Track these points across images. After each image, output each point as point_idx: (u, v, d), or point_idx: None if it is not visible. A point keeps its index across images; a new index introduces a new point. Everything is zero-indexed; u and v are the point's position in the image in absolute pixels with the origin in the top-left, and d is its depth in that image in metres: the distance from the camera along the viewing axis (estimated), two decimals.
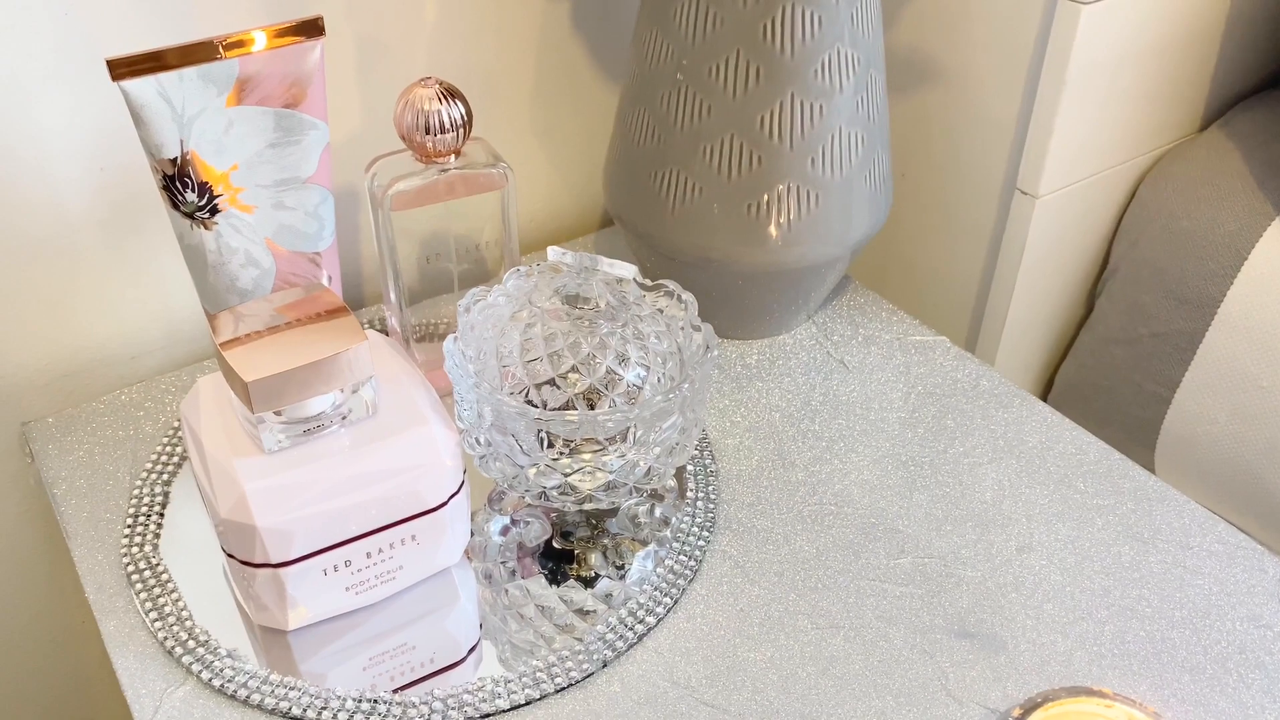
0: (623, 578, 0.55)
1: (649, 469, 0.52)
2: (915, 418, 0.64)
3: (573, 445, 0.51)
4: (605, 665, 0.50)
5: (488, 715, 0.48)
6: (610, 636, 0.51)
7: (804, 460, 0.61)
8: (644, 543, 0.57)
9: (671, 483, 0.58)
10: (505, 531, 0.58)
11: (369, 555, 0.49)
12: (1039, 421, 0.63)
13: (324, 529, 0.47)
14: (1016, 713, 0.41)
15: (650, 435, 0.52)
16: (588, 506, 0.54)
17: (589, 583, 0.55)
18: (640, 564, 0.56)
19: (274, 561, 0.47)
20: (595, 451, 0.52)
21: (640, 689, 0.49)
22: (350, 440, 0.48)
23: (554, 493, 0.52)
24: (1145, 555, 0.55)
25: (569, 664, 0.50)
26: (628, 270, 0.49)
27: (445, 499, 0.50)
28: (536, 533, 0.58)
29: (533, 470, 0.51)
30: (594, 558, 0.57)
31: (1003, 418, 0.63)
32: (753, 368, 0.68)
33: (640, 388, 0.52)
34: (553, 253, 0.50)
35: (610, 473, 0.51)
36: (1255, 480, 0.70)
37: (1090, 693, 0.42)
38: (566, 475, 0.51)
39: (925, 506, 0.58)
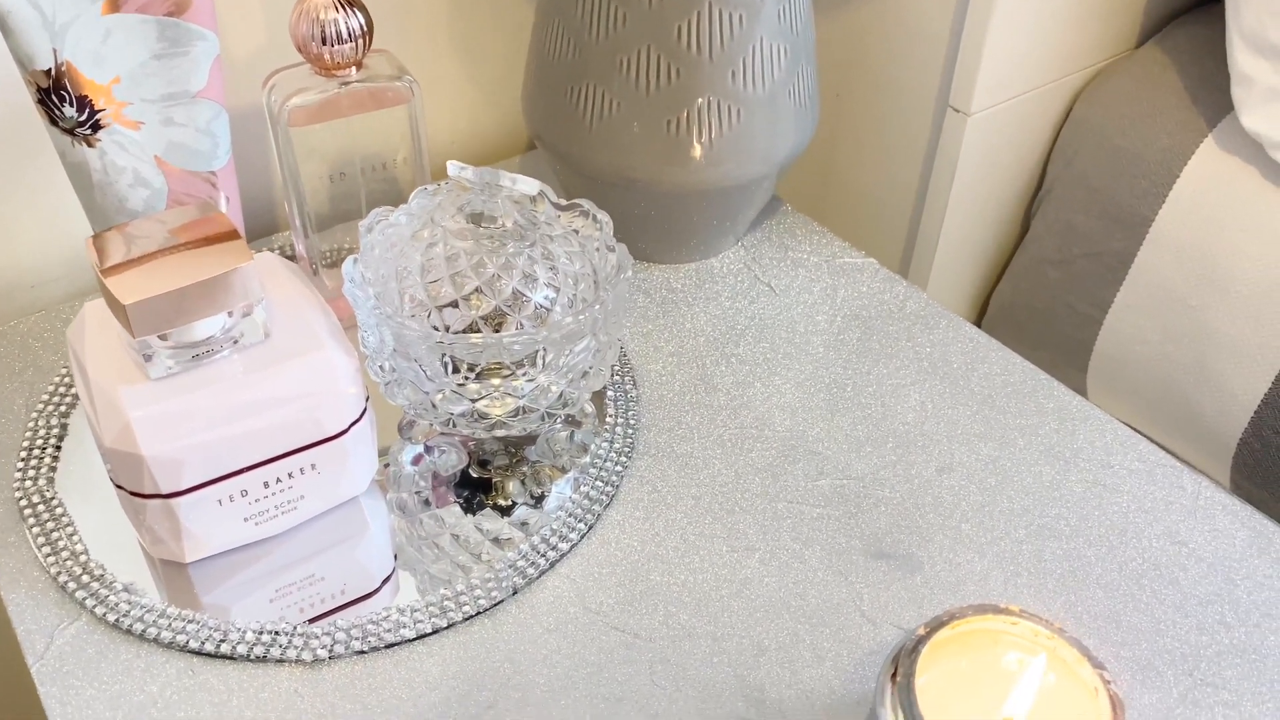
0: (541, 506, 0.54)
1: (561, 394, 0.51)
2: (840, 340, 0.62)
3: (479, 370, 0.49)
4: (515, 593, 0.49)
5: (393, 645, 0.47)
6: (521, 564, 0.50)
7: (726, 384, 0.60)
8: (563, 470, 0.56)
9: (589, 408, 0.57)
10: (418, 460, 0.56)
11: (267, 485, 0.47)
12: (965, 342, 0.62)
13: (216, 458, 0.45)
14: (922, 631, 0.41)
15: (561, 359, 0.50)
16: (500, 433, 0.52)
17: (506, 511, 0.54)
18: (559, 492, 0.55)
19: (164, 492, 0.45)
20: (505, 377, 0.50)
21: (550, 616, 0.48)
22: (243, 366, 0.46)
23: (462, 420, 0.50)
24: (1065, 474, 0.55)
25: (478, 592, 0.49)
26: (532, 187, 0.47)
27: (345, 426, 0.48)
28: (452, 461, 0.56)
29: (439, 396, 0.50)
30: (512, 486, 0.56)
31: (928, 339, 0.63)
32: (678, 292, 0.66)
33: (549, 310, 0.50)
34: (452, 167, 0.48)
35: (520, 398, 0.50)
36: (1184, 400, 0.70)
37: (997, 610, 0.41)
38: (474, 401, 0.50)
39: (846, 429, 0.57)
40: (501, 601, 0.49)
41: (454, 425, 0.51)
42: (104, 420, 0.44)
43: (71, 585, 0.48)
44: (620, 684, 0.45)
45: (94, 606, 0.47)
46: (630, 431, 0.57)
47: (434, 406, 0.50)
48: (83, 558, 0.49)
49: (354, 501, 0.53)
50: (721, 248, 0.68)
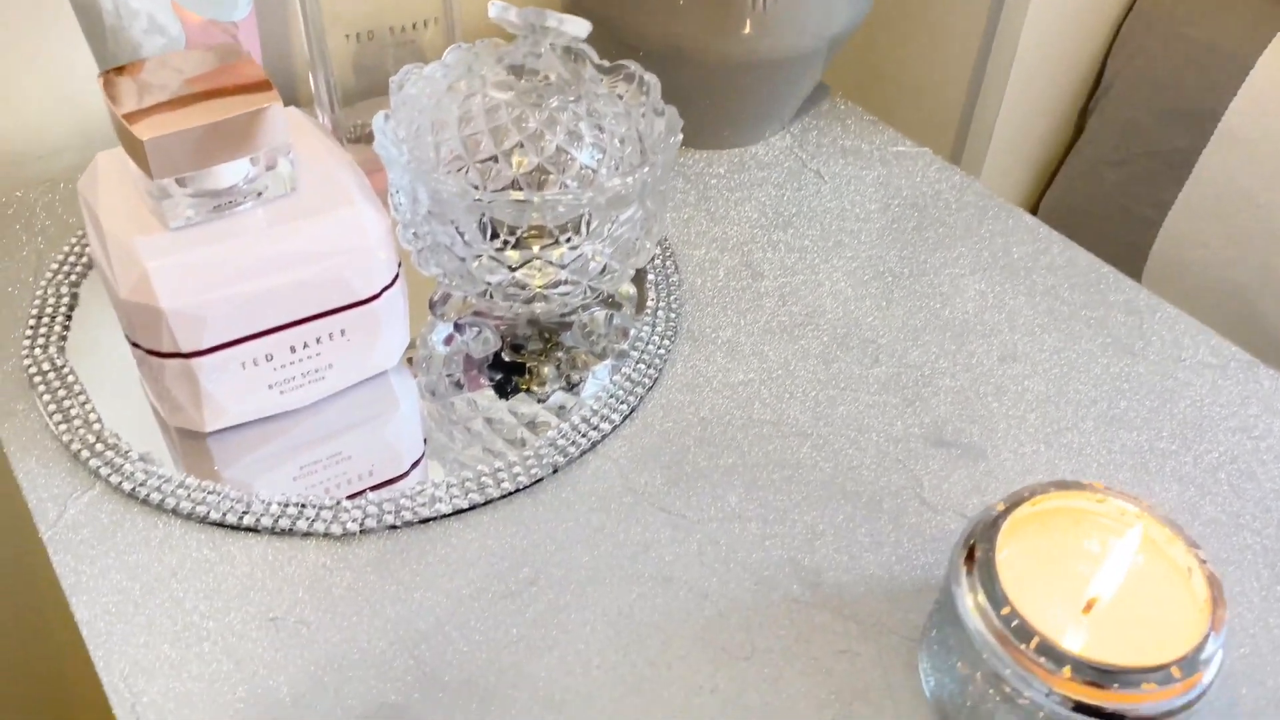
0: (577, 391, 0.51)
1: (604, 267, 0.48)
2: (894, 229, 0.59)
3: (519, 236, 0.46)
4: (556, 471, 0.46)
5: (428, 520, 0.44)
6: (562, 442, 0.47)
7: (774, 272, 0.56)
8: (600, 356, 0.53)
9: (630, 289, 0.54)
10: (449, 341, 0.53)
11: (293, 350, 0.44)
12: (1025, 233, 0.59)
13: (239, 316, 0.42)
14: (1000, 507, 0.38)
15: (606, 227, 0.47)
16: (539, 309, 0.49)
17: (541, 396, 0.51)
18: (596, 378, 0.52)
19: (184, 351, 0.42)
20: (546, 244, 0.47)
21: (593, 495, 0.45)
22: (267, 219, 0.43)
23: (500, 291, 0.47)
24: (1134, 367, 0.52)
25: (517, 469, 0.46)
26: (581, 27, 0.44)
27: (377, 290, 0.45)
28: (484, 343, 0.53)
29: (475, 264, 0.47)
30: (547, 371, 0.53)
31: (987, 230, 0.59)
32: (722, 178, 0.62)
33: (595, 172, 0.47)
34: (494, 8, 0.44)
35: (561, 266, 0.46)
36: (1247, 306, 0.67)
37: (1081, 487, 0.38)
38: (513, 270, 0.46)
39: (902, 317, 0.54)
40: (541, 479, 0.46)
41: (490, 297, 0.48)
42: (120, 272, 0.41)
43: (85, 453, 0.45)
44: (668, 564, 0.43)
45: (109, 475, 0.44)
46: (673, 316, 0.53)
47: (470, 276, 0.47)
48: (96, 426, 0.46)
49: (383, 379, 0.50)
50: (766, 132, 0.65)
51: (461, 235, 0.46)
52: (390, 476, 0.47)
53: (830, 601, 0.42)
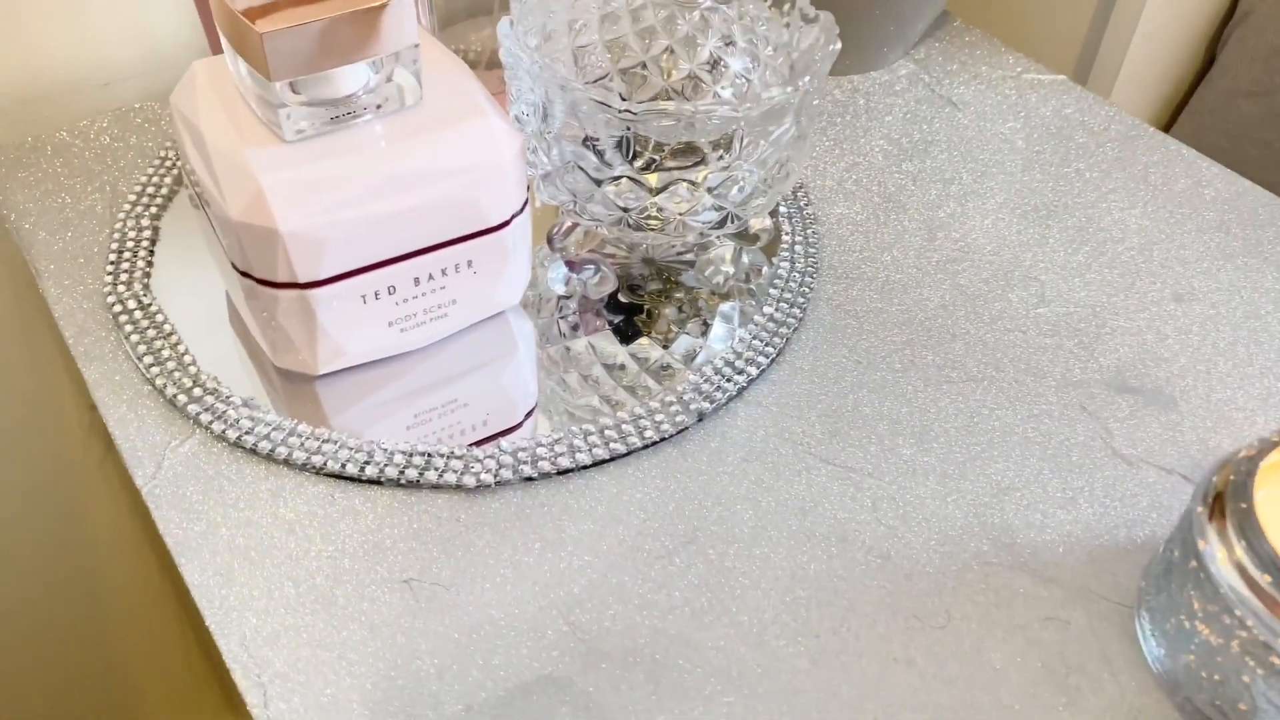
0: (705, 336, 0.46)
1: (752, 193, 0.43)
2: (1040, 160, 0.54)
3: (661, 155, 0.41)
4: (701, 419, 0.41)
5: (565, 471, 0.39)
6: (706, 387, 0.42)
7: (915, 204, 0.51)
8: (725, 297, 0.48)
9: (767, 222, 0.49)
10: (566, 281, 0.49)
11: (417, 282, 0.40)
12: (1183, 165, 0.54)
13: (363, 241, 0.37)
14: (1247, 453, 0.33)
15: (757, 148, 0.42)
16: (675, 241, 0.44)
17: (665, 341, 0.46)
18: (724, 321, 0.47)
19: (301, 280, 0.37)
20: (689, 164, 0.42)
21: (746, 446, 0.41)
22: (389, 133, 0.38)
23: (636, 219, 0.42)
24: None
25: (659, 417, 0.41)
26: None
27: (508, 216, 0.40)
28: (603, 283, 0.49)
29: (613, 188, 0.42)
30: (668, 312, 0.48)
31: (1141, 161, 0.54)
32: (844, 105, 0.57)
33: (748, 81, 0.42)
34: None
35: (710, 190, 0.42)
36: None
37: None
38: (655, 192, 0.42)
39: (1062, 254, 0.49)
40: (686, 428, 0.41)
41: (625, 225, 0.43)
42: (230, 191, 0.36)
43: (182, 399, 0.40)
44: (840, 522, 0.38)
45: (210, 422, 0.40)
46: (812, 251, 0.49)
47: (604, 203, 0.42)
48: (192, 369, 0.42)
49: (500, 320, 0.45)
50: (889, 59, 0.60)
51: (599, 154, 0.41)
52: (505, 426, 0.43)
53: (1026, 563, 0.37)
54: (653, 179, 0.42)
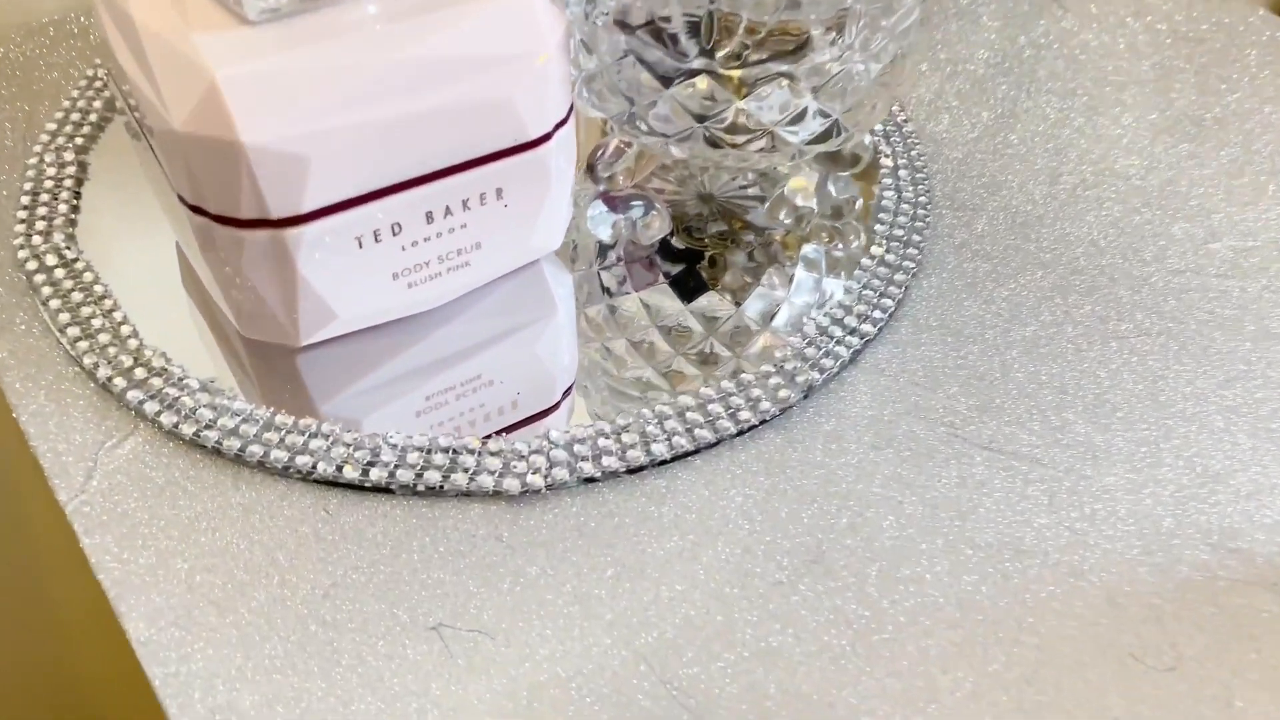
0: (788, 289, 0.37)
1: (863, 96, 0.33)
2: (1175, 68, 0.44)
3: (749, 45, 0.31)
4: (809, 394, 0.32)
5: (638, 469, 0.30)
6: (811, 352, 0.33)
7: (1033, 120, 0.42)
8: (807, 238, 0.39)
9: (866, 138, 0.39)
10: (612, 223, 0.39)
11: (431, 218, 0.29)
12: None
13: (357, 160, 0.27)
14: None
15: (875, 34, 0.32)
16: (755, 163, 0.34)
17: (736, 294, 0.36)
18: (807, 269, 0.37)
19: (274, 216, 0.27)
20: (786, 52, 0.32)
21: (871, 425, 0.31)
22: (390, 10, 0.28)
23: (712, 131, 0.32)
24: None
25: (755, 392, 0.31)
26: None
27: (551, 127, 0.30)
28: (656, 225, 0.39)
29: (686, 90, 0.32)
30: (738, 259, 0.38)
31: None
32: (937, 6, 0.47)
33: None
34: None
35: (815, 89, 0.32)
36: None
37: None
38: (742, 91, 0.32)
39: (1225, 178, 0.39)
40: (791, 407, 0.31)
41: (698, 141, 0.33)
42: (171, 90, 0.26)
43: (119, 383, 0.30)
44: (1011, 527, 0.28)
45: (157, 413, 0.30)
46: (921, 177, 0.39)
47: (673, 108, 0.32)
48: (131, 343, 0.31)
49: (533, 271, 0.35)
50: None
51: (670, 44, 0.31)
52: (539, 409, 0.33)
53: (1264, 575, 0.28)
54: (739, 75, 0.31)
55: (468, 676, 0.25)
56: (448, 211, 0.29)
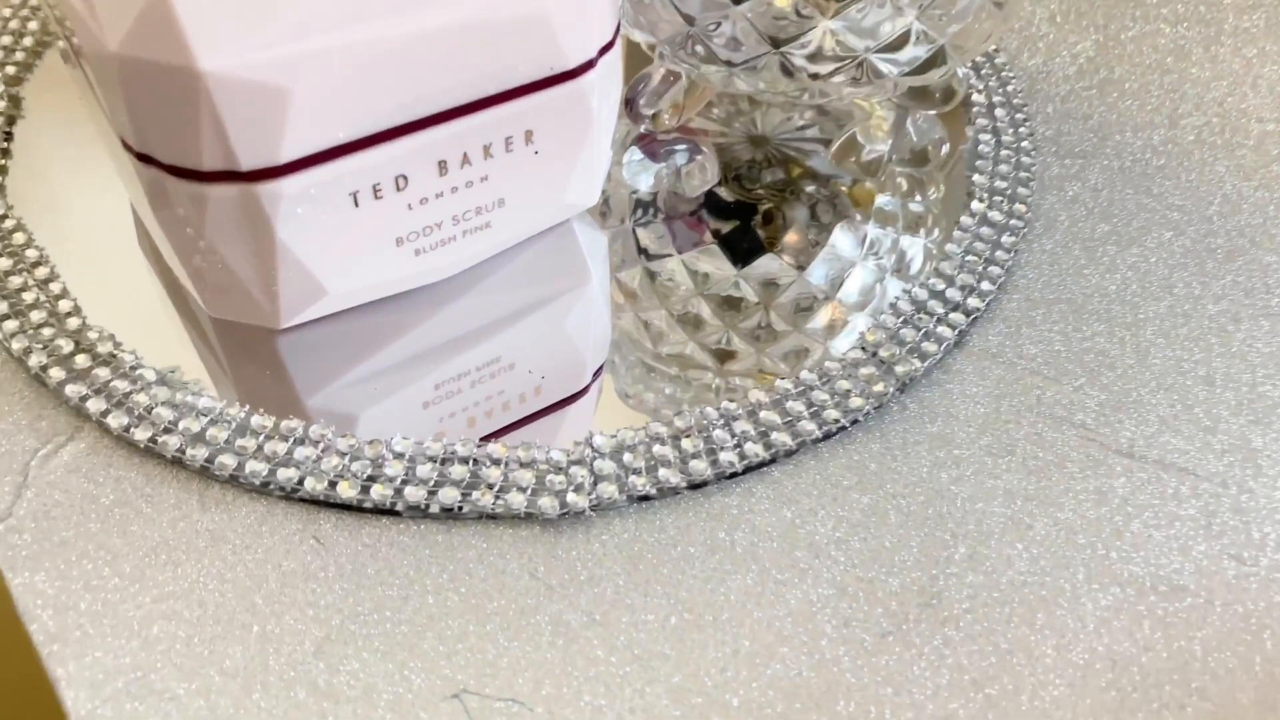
0: (862, 248, 0.31)
1: (971, 17, 0.27)
2: None
3: None
4: (903, 387, 0.26)
5: (700, 485, 0.24)
6: (909, 334, 0.27)
7: (1144, 53, 0.35)
8: (878, 190, 0.33)
9: (961, 70, 0.33)
10: (655, 172, 0.33)
11: (443, 169, 0.23)
12: None
13: (349, 94, 0.21)
14: None
15: None
16: (841, 95, 0.28)
17: (800, 256, 0.31)
18: (880, 226, 0.31)
19: (244, 167, 0.21)
20: None
21: (986, 426, 0.25)
22: None
23: (789, 58, 0.26)
24: None
25: (841, 384, 0.26)
26: None
27: (594, 53, 0.24)
28: (702, 173, 0.33)
29: (761, 5, 0.25)
30: (798, 215, 0.32)
31: None
32: None
33: None
34: None
35: (918, 7, 0.25)
36: None
37: None
38: (828, 9, 0.25)
39: None
40: (887, 402, 0.26)
41: (771, 67, 0.27)
42: (105, 6, 0.20)
43: (57, 373, 0.24)
44: (1161, 554, 0.23)
45: (104, 413, 0.24)
46: (1020, 118, 0.33)
47: (738, 31, 0.26)
48: (72, 322, 0.25)
49: (562, 232, 0.29)
50: None
51: None
52: (566, 394, 0.27)
53: None
54: None
55: None
56: (465, 160, 0.23)
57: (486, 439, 0.25)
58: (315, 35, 0.20)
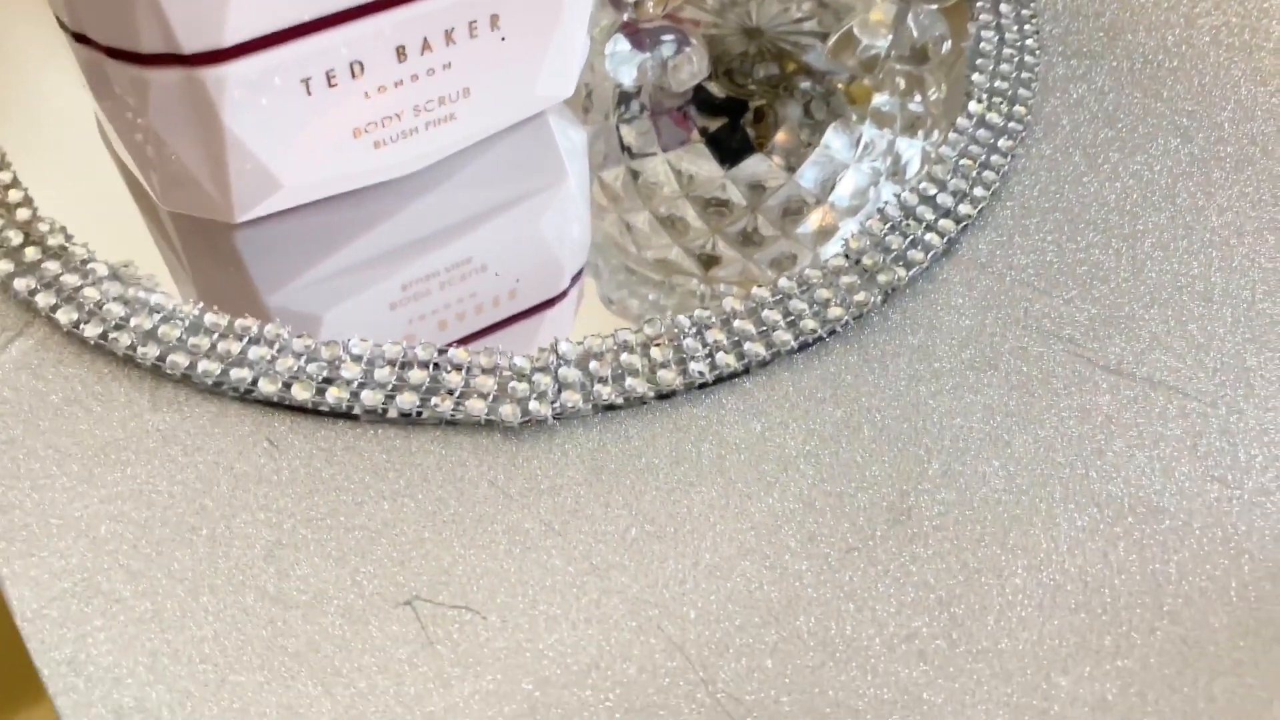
0: (857, 145, 0.29)
1: None
2: None
3: None
4: (889, 297, 0.25)
5: (668, 395, 0.23)
6: (895, 241, 0.26)
7: None
8: (879, 87, 0.31)
9: None
10: (638, 63, 0.31)
11: (403, 55, 0.22)
12: None
13: None
14: None
15: None
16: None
17: (790, 157, 0.29)
18: (878, 127, 0.30)
19: (186, 50, 0.20)
20: None
21: (971, 339, 0.24)
22: None
23: None
24: None
25: (821, 293, 0.25)
26: None
27: None
28: (689, 66, 0.31)
29: None
30: (791, 113, 0.31)
31: None
32: None
33: None
34: None
35: None
36: None
37: None
38: None
39: None
40: (868, 312, 0.25)
41: None
42: None
43: (4, 266, 0.23)
44: (1145, 477, 0.22)
45: (53, 308, 0.23)
46: (1026, 14, 0.31)
47: None
48: (22, 212, 0.24)
49: (537, 125, 0.28)
50: None
51: None
52: (542, 299, 0.26)
53: None
54: None
55: (451, 670, 0.19)
56: (426, 46, 0.22)
57: (458, 343, 0.24)
58: None
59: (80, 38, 0.20)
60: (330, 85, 0.21)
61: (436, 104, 0.23)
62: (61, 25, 0.20)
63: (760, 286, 0.25)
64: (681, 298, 0.27)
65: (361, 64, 0.21)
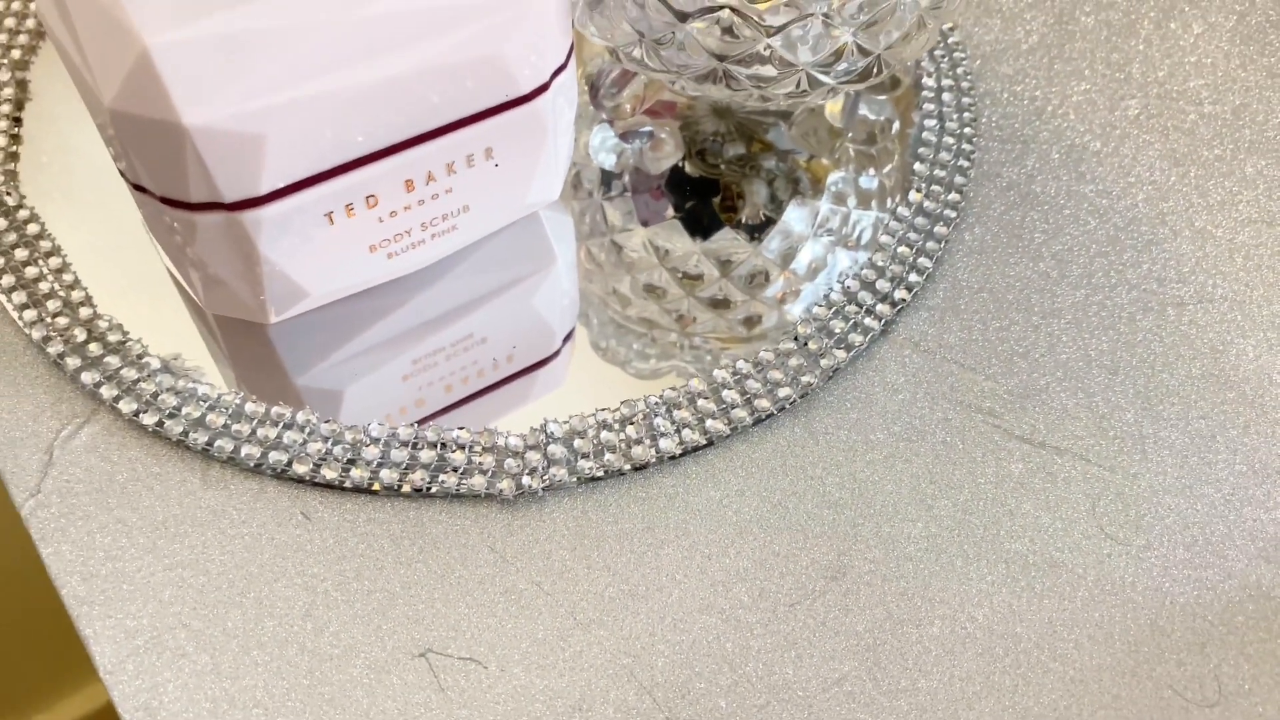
0: (814, 219, 0.33)
1: (907, 29, 0.28)
2: None
3: None
4: (830, 377, 0.29)
5: (641, 467, 0.27)
6: (838, 325, 0.29)
7: (1098, 28, 0.37)
8: (835, 165, 0.35)
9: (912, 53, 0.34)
10: (619, 151, 0.35)
11: (411, 187, 0.26)
12: None
13: (321, 133, 0.23)
14: None
15: None
16: (787, 101, 0.30)
17: (755, 232, 0.33)
18: (835, 204, 0.34)
19: (228, 200, 0.23)
20: None
21: (902, 414, 0.28)
22: None
23: (736, 70, 0.28)
24: None
25: (773, 374, 0.28)
26: None
27: (548, 77, 0.26)
28: (663, 151, 0.35)
29: (702, 23, 0.27)
30: (756, 191, 0.34)
31: None
32: None
33: None
34: None
35: (856, 25, 0.27)
36: None
37: None
38: (770, 30, 0.27)
39: None
40: (813, 389, 0.28)
41: (718, 81, 0.29)
42: (97, 59, 0.22)
43: (73, 361, 0.27)
44: (1049, 536, 0.26)
45: (115, 399, 0.27)
46: (966, 102, 0.34)
47: (686, 46, 0.28)
48: (84, 311, 0.28)
49: (531, 217, 0.32)
50: None
51: None
52: (536, 359, 0.30)
53: None
54: (765, 4, 0.27)
55: (459, 713, 0.23)
56: (430, 178, 0.26)
57: (462, 403, 0.28)
58: (288, 87, 0.22)
59: (138, 187, 0.24)
60: (349, 215, 0.25)
61: (440, 220, 0.27)
62: (122, 175, 0.24)
63: (720, 368, 0.28)
64: (663, 347, 0.31)
65: (375, 197, 0.25)
